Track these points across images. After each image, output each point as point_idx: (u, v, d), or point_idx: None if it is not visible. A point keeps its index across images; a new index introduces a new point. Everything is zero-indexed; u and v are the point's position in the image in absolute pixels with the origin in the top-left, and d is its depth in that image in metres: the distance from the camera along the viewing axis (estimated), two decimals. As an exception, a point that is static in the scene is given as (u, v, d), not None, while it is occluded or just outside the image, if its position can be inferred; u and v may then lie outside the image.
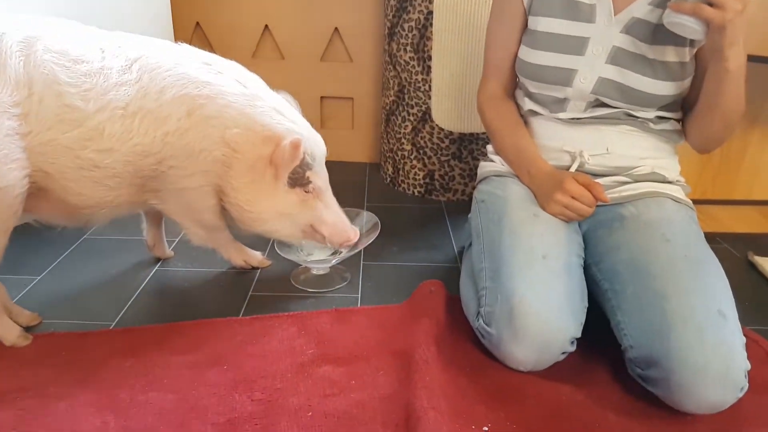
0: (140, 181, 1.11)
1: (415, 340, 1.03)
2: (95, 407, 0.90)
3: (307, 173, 1.14)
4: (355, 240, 1.21)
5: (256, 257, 1.36)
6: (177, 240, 1.45)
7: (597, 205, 1.09)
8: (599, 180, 1.14)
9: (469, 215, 1.29)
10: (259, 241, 1.34)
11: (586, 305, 1.02)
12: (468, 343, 1.08)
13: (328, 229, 1.19)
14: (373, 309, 1.19)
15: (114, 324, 1.13)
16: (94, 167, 1.06)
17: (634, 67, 1.07)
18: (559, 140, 1.16)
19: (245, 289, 1.27)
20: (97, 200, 1.10)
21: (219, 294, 1.25)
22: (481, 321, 1.03)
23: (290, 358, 1.03)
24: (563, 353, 0.98)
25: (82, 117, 1.02)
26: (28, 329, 1.09)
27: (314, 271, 1.33)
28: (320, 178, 1.17)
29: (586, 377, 1.01)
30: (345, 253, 1.26)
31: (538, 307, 0.96)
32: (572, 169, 1.15)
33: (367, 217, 1.37)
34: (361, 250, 1.42)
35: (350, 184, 1.91)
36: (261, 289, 1.27)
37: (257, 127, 1.11)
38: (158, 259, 1.38)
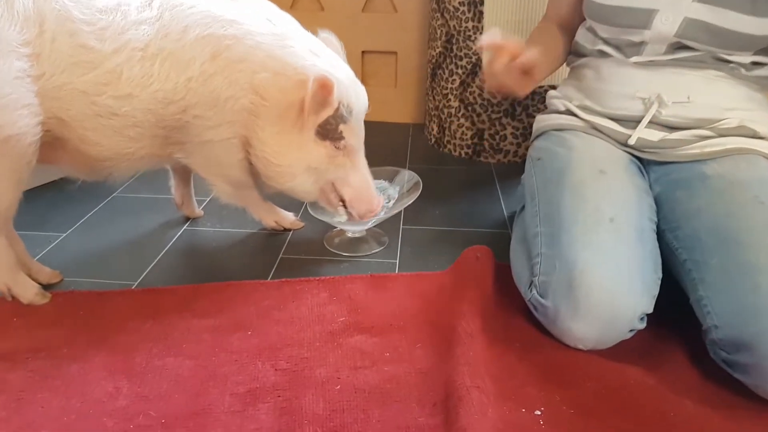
0: (163, 132, 1.03)
1: (458, 311, 0.92)
2: (108, 371, 0.83)
3: (341, 127, 1.03)
4: (377, 211, 1.10)
5: (288, 218, 1.27)
6: (208, 200, 1.37)
7: (670, 162, 0.95)
8: (676, 134, 0.98)
9: (522, 177, 1.15)
10: (293, 203, 1.24)
11: (660, 276, 0.88)
12: (518, 316, 0.96)
13: (350, 193, 1.08)
14: (412, 276, 1.08)
15: (136, 284, 1.07)
16: (112, 115, 0.97)
17: (730, 3, 0.90)
18: (631, 85, 1.01)
19: (275, 252, 1.18)
20: (117, 152, 1.02)
21: (248, 256, 1.17)
22: (534, 292, 0.90)
23: (319, 325, 0.94)
24: (631, 331, 0.85)
25: (97, 58, 0.93)
26: (47, 287, 1.04)
27: (349, 234, 1.22)
28: (355, 135, 1.05)
29: (657, 359, 0.87)
30: (383, 215, 1.15)
31: (604, 277, 0.83)
32: (645, 120, 0.99)
33: (407, 176, 1.25)
34: (401, 213, 1.31)
35: (391, 145, 1.79)
36: (292, 251, 1.18)
37: (288, 71, 1.00)
38: (187, 219, 1.31)
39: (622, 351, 0.87)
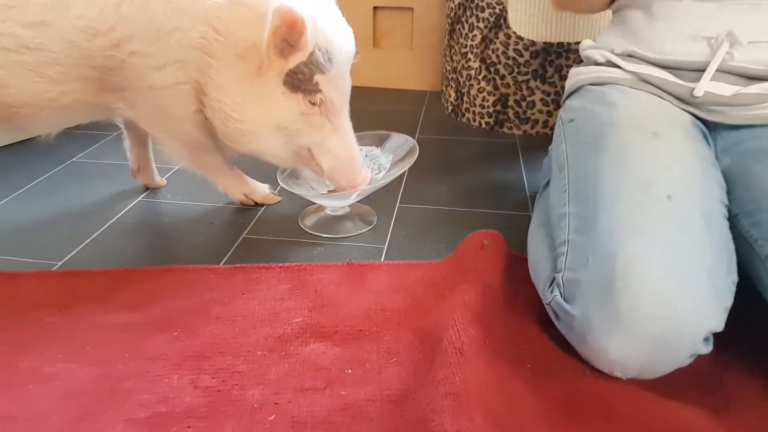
0: (95, 74, 0.82)
1: (449, 315, 0.68)
2: (-22, 379, 0.63)
3: (317, 78, 0.80)
4: (362, 186, 0.87)
5: (260, 191, 1.05)
6: (176, 168, 1.16)
7: (745, 126, 0.73)
8: (754, 87, 0.73)
9: (550, 147, 0.91)
10: (271, 172, 1.01)
11: (735, 280, 0.63)
12: (532, 326, 0.72)
13: (329, 162, 0.86)
14: (398, 266, 0.85)
15: (59, 264, 0.87)
16: (22, 48, 0.77)
17: None
18: (693, 22, 0.75)
19: (239, 231, 0.96)
20: (34, 96, 0.82)
21: (204, 234, 0.95)
22: (557, 294, 0.66)
23: (268, 327, 0.72)
24: (692, 355, 0.60)
25: (-3, -27, 0.73)
26: (-48, 264, 0.85)
27: (329, 211, 0.99)
28: (336, 89, 0.83)
29: (725, 396, 0.62)
30: (370, 187, 0.92)
31: (658, 278, 0.58)
32: (712, 67, 0.74)
33: (397, 140, 1.01)
34: (399, 189, 1.07)
35: (401, 113, 1.54)
36: (259, 231, 0.96)
37: (251, -1, 0.78)
38: (147, 188, 1.11)
39: (675, 382, 0.62)
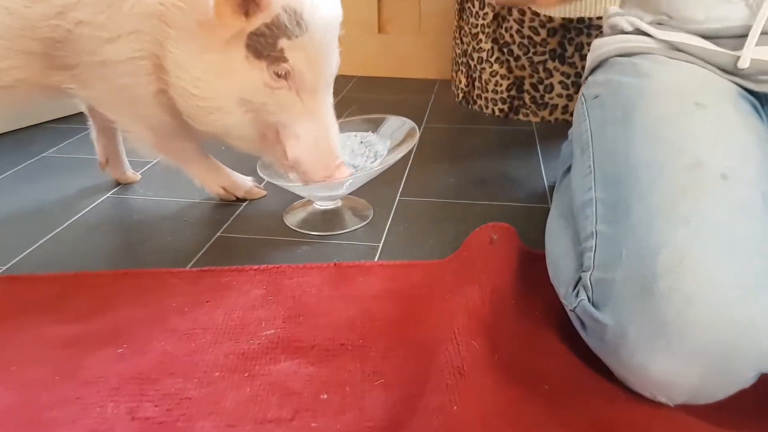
0: (40, 48, 0.72)
1: (448, 325, 0.55)
2: None
3: (282, 43, 0.68)
4: (336, 178, 0.74)
5: (242, 184, 0.93)
6: (153, 162, 1.05)
7: None
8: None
9: (570, 130, 0.78)
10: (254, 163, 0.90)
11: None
12: (551, 337, 0.59)
13: (295, 149, 0.74)
14: (393, 266, 0.72)
15: (4, 269, 0.76)
16: (-53, 17, 0.67)
17: None
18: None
19: (214, 229, 0.84)
20: (-33, 76, 0.71)
21: (175, 233, 0.84)
22: (583, 298, 0.53)
23: (232, 341, 0.60)
24: (757, 374, 0.47)
25: None
26: None
27: (318, 205, 0.87)
28: (309, 62, 0.70)
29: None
30: (364, 176, 0.80)
31: (713, 276, 0.45)
32: (756, 29, 0.62)
33: (394, 123, 0.89)
34: (400, 180, 0.95)
35: (407, 103, 1.42)
36: (237, 229, 0.84)
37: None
38: (118, 184, 1.00)
39: (735, 406, 0.48)
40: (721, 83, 0.65)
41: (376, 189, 0.91)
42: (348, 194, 0.86)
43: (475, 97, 1.36)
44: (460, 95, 1.41)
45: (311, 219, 0.85)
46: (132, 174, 1.00)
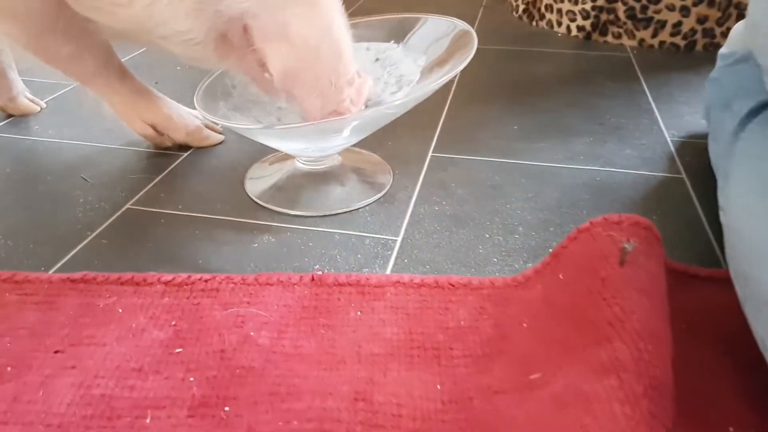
0: None
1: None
2: None
3: None
4: (348, 109, 0.42)
5: (183, 123, 0.58)
6: (69, 88, 0.71)
7: None
8: None
9: (722, 52, 0.42)
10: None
11: None
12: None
13: (282, 58, 0.44)
14: (421, 285, 0.38)
15: None
16: None
17: None
18: None
19: (123, 197, 0.51)
20: None
21: (63, 200, 0.51)
22: None
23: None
24: None
25: None
26: None
27: (301, 163, 0.53)
28: None
29: None
30: (376, 115, 0.45)
31: None
32: None
33: (434, 28, 0.53)
34: (437, 119, 0.61)
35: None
36: (160, 199, 0.51)
37: None
38: (9, 116, 0.67)
39: None
40: None
41: (396, 139, 0.57)
42: (351, 145, 0.51)
43: (542, 10, 0.97)
44: (520, 8, 1.02)
45: (288, 187, 0.51)
46: (26, 102, 0.66)
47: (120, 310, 0.37)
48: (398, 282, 0.39)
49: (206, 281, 0.39)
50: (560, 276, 0.36)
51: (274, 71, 0.42)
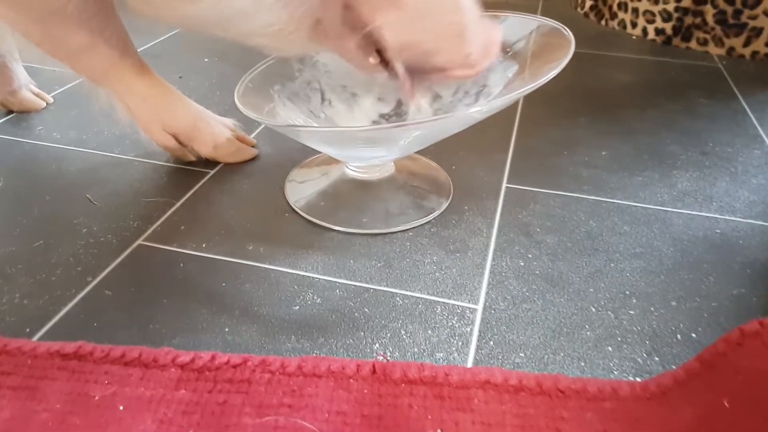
0: None
1: None
2: None
3: None
4: (494, 55, 0.34)
5: (211, 132, 0.49)
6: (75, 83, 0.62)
7: None
8: None
9: None
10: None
11: None
12: None
13: (398, 23, 0.33)
14: (522, 386, 0.28)
15: None
16: None
17: None
18: None
19: (136, 228, 0.42)
20: None
21: (59, 232, 0.42)
22: None
23: None
24: None
25: None
26: None
27: (350, 170, 0.43)
28: None
29: None
30: (443, 125, 0.36)
31: None
32: None
33: (519, 25, 0.43)
34: (509, 147, 0.51)
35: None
36: (180, 233, 0.42)
37: None
38: (9, 112, 0.58)
39: None
40: None
41: (460, 161, 0.47)
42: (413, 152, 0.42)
43: (615, 8, 0.86)
44: (587, 2, 0.91)
45: (341, 196, 0.42)
46: (30, 96, 0.57)
47: (121, 408, 0.28)
48: (488, 382, 0.29)
49: (235, 367, 0.30)
50: (725, 403, 0.26)
51: (392, 43, 0.34)
